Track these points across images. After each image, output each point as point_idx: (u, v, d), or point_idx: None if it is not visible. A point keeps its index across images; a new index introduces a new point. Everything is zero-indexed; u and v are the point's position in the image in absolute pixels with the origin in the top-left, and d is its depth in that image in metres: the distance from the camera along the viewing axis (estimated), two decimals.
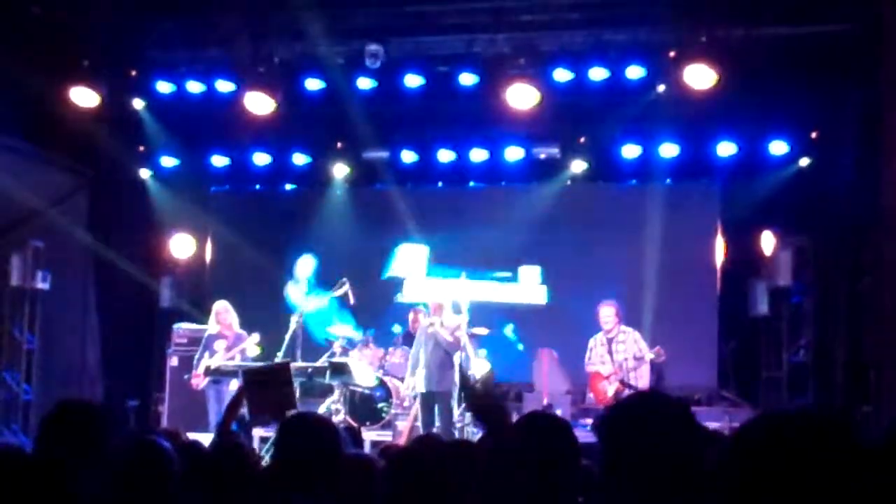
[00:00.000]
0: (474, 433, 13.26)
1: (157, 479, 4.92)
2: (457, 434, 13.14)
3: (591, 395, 14.46)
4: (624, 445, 3.01)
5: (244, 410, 7.93)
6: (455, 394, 13.41)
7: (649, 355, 13.48)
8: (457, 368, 13.43)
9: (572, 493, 3.99)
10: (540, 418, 4.59)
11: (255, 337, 14.11)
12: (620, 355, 13.61)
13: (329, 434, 4.30)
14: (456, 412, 13.47)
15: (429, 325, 13.48)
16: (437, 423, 13.07)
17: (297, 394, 14.05)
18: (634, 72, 13.96)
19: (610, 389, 13.54)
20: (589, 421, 12.56)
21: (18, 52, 13.85)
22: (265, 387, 8.00)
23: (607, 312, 13.75)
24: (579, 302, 14.93)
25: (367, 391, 14.42)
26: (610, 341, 13.70)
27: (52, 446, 4.74)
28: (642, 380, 13.45)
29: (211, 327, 14.32)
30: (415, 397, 13.95)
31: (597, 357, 13.79)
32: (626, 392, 12.74)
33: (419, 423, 13.38)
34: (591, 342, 13.90)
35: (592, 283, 15.52)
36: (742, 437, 2.62)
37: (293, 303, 15.48)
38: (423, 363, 13.41)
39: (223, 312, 14.26)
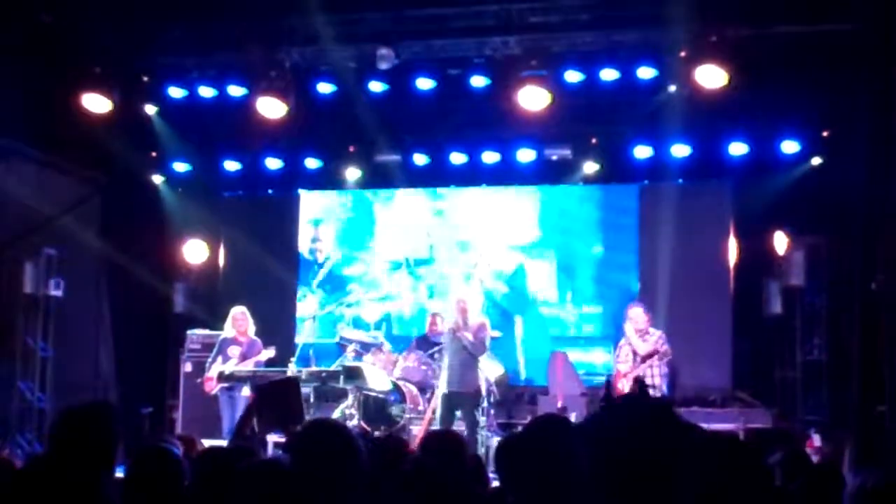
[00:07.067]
0: (489, 435, 13.28)
1: (168, 486, 4.92)
2: (480, 437, 13.13)
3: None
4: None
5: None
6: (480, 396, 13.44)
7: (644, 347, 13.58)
8: (480, 370, 13.44)
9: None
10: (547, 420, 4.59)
11: (271, 352, 14.16)
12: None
13: (346, 442, 4.27)
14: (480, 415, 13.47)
15: (456, 329, 13.43)
16: (462, 426, 13.05)
17: (311, 398, 14.23)
18: (645, 72, 13.93)
19: (626, 388, 13.56)
20: None
21: (29, 59, 13.88)
22: (275, 402, 8.08)
23: (636, 313, 13.78)
24: None
25: (381, 395, 14.38)
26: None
27: (62, 457, 4.67)
28: (657, 378, 13.50)
29: (226, 331, 14.34)
30: (428, 399, 13.95)
31: (623, 356, 13.83)
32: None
33: (434, 427, 13.30)
34: (622, 341, 13.98)
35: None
36: None
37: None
38: (447, 364, 13.39)
39: (240, 318, 14.28)
